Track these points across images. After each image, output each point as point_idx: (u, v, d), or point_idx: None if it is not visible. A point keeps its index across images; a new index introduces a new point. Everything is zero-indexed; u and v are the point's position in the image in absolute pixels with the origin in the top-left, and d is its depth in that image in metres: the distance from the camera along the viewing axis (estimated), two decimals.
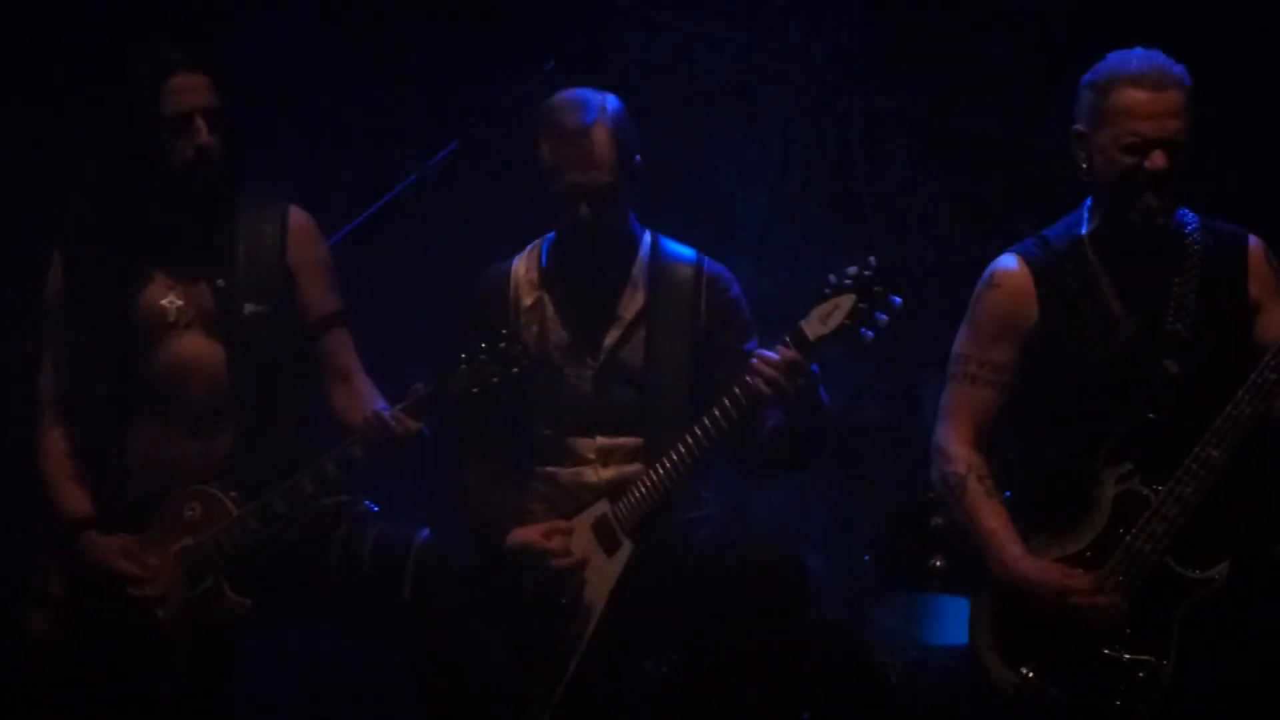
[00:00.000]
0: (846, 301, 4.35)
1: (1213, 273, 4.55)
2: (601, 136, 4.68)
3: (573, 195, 4.68)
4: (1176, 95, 4.43)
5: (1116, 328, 4.56)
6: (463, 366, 4.42)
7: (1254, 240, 4.61)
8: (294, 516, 4.56)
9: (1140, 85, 4.43)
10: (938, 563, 5.97)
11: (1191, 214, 4.61)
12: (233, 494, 4.60)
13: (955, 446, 4.65)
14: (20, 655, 4.64)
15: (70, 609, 4.63)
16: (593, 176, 4.67)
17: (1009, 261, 4.67)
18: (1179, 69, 4.48)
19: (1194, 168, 4.47)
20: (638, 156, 4.78)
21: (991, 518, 4.58)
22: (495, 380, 4.41)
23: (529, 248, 4.98)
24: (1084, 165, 4.55)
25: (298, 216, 4.79)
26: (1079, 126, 4.55)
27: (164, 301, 4.67)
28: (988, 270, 4.70)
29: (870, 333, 4.35)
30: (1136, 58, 4.50)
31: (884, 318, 4.34)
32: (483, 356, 4.41)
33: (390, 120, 6.44)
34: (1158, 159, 4.40)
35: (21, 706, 4.64)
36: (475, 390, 4.41)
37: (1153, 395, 4.50)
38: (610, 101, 4.77)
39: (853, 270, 4.36)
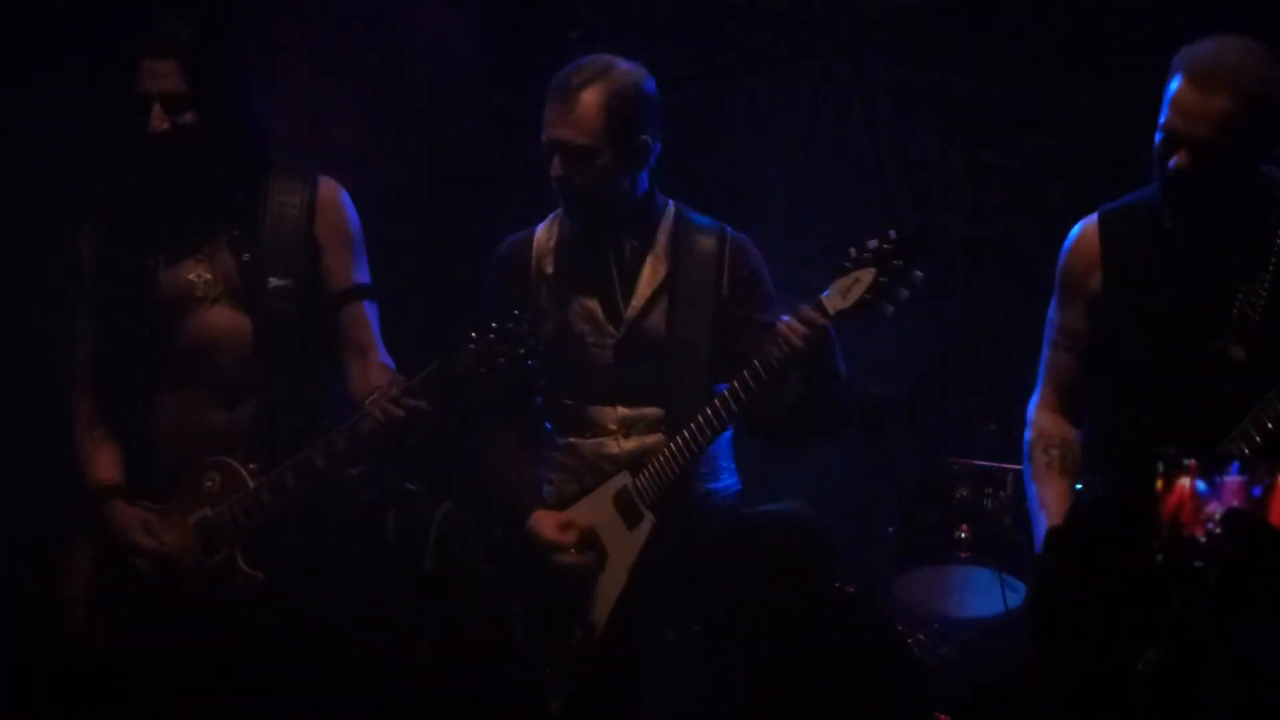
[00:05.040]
0: (867, 276, 4.34)
1: None
2: (591, 100, 4.66)
3: (548, 149, 4.69)
4: (1223, 102, 4.13)
5: (1184, 305, 4.35)
6: (470, 346, 4.40)
7: None
8: (304, 490, 4.57)
9: (1189, 78, 4.17)
10: (962, 534, 5.99)
11: None
12: (251, 466, 4.62)
13: (1034, 412, 4.61)
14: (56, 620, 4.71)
15: (101, 576, 4.68)
16: (565, 134, 4.66)
17: (1088, 220, 4.53)
18: (1250, 75, 4.16)
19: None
20: (645, 136, 4.74)
21: (1040, 487, 4.53)
22: (502, 360, 4.39)
23: (551, 216, 4.98)
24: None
25: (327, 188, 4.80)
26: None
27: (192, 276, 4.70)
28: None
29: (891, 306, 4.34)
30: (1205, 50, 4.22)
31: (904, 292, 4.33)
32: (491, 336, 4.39)
33: (416, 90, 6.44)
34: (1181, 158, 4.17)
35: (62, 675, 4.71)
36: (482, 371, 4.40)
37: (1215, 380, 4.29)
38: (624, 74, 4.73)
39: (873, 244, 4.35)
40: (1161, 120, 4.22)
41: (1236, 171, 4.24)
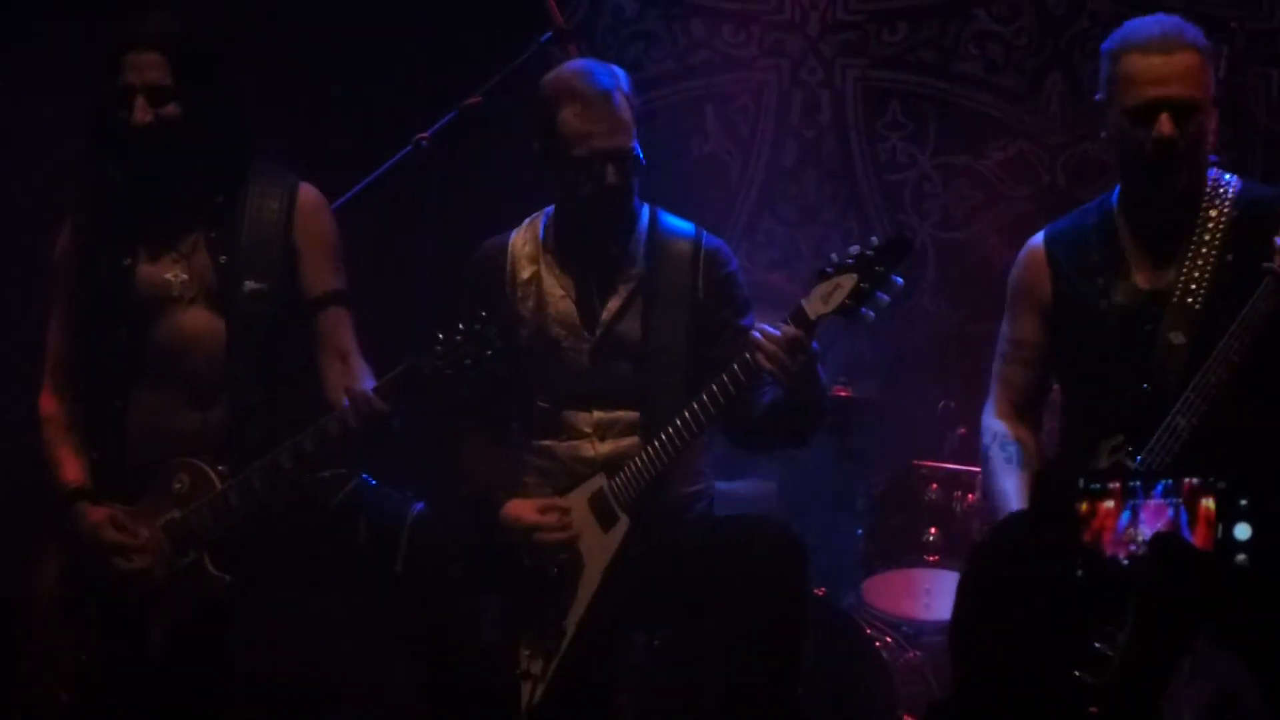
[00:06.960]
0: (848, 281, 4.35)
1: (1239, 242, 4.38)
2: (622, 103, 4.70)
3: (599, 159, 4.68)
4: (1186, 58, 4.32)
5: (1129, 298, 4.46)
6: (437, 348, 4.41)
7: None
8: (273, 492, 4.56)
9: (1147, 50, 4.33)
10: (930, 537, 6.00)
11: (1235, 179, 4.48)
12: (220, 468, 4.60)
13: (987, 419, 4.67)
14: (23, 622, 4.68)
15: (70, 579, 4.65)
16: (619, 141, 4.68)
17: (1033, 238, 4.66)
18: (1192, 32, 4.36)
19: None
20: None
21: (999, 480, 4.57)
22: (468, 363, 4.40)
23: (527, 221, 4.97)
24: (1103, 134, 4.47)
25: (307, 193, 4.79)
26: (1099, 95, 4.46)
27: (169, 275, 4.69)
28: None
29: (871, 312, 4.36)
30: (1148, 23, 4.40)
31: (885, 298, 4.35)
32: (457, 338, 4.40)
33: (386, 93, 6.42)
34: (1164, 125, 4.29)
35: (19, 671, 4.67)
36: (449, 373, 4.40)
37: (1157, 366, 4.38)
38: (622, 72, 4.80)
39: (854, 250, 4.37)
40: (1127, 103, 4.34)
41: (1207, 131, 4.37)
